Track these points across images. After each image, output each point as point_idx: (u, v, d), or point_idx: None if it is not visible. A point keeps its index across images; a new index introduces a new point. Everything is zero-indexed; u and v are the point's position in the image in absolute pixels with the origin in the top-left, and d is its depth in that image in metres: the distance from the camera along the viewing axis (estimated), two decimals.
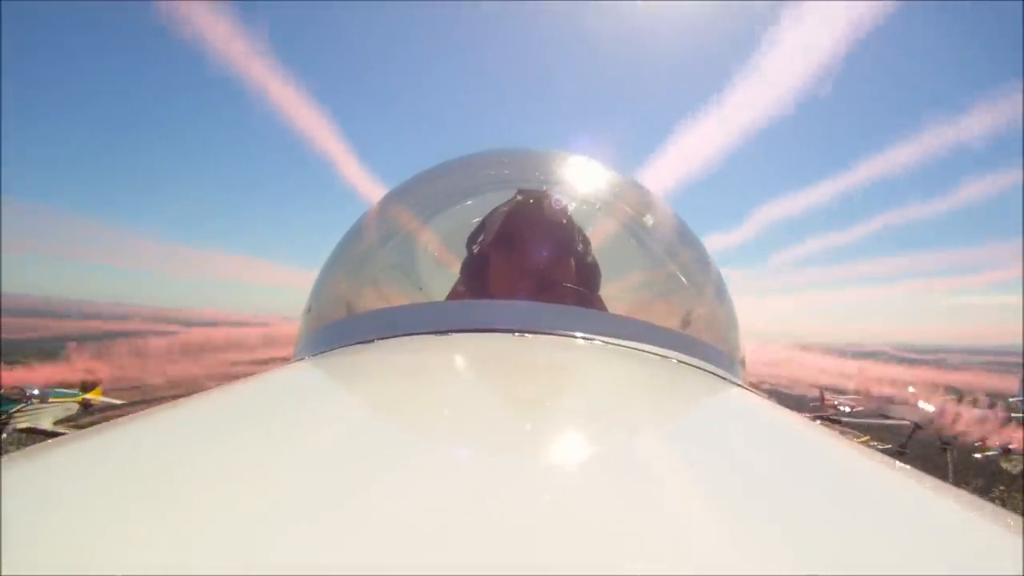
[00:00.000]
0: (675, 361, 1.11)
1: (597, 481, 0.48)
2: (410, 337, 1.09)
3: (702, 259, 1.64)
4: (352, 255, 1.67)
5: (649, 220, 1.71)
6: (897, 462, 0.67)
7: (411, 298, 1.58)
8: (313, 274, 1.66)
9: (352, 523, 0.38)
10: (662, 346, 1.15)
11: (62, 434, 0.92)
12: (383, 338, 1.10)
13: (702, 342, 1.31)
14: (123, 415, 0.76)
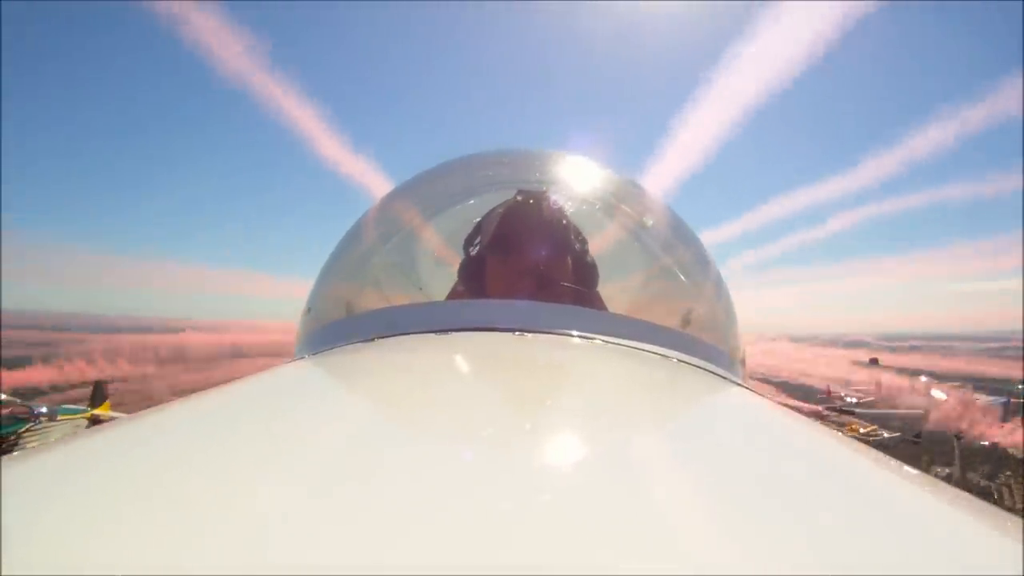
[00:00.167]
0: (675, 360, 1.11)
1: (597, 480, 0.48)
2: (409, 336, 1.09)
3: (701, 258, 1.65)
4: (352, 255, 1.67)
5: (648, 219, 1.71)
6: (897, 462, 0.67)
7: (411, 298, 1.59)
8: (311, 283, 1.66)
9: (352, 522, 0.38)
10: (662, 345, 1.15)
11: None
12: (383, 337, 1.10)
13: (701, 341, 1.31)
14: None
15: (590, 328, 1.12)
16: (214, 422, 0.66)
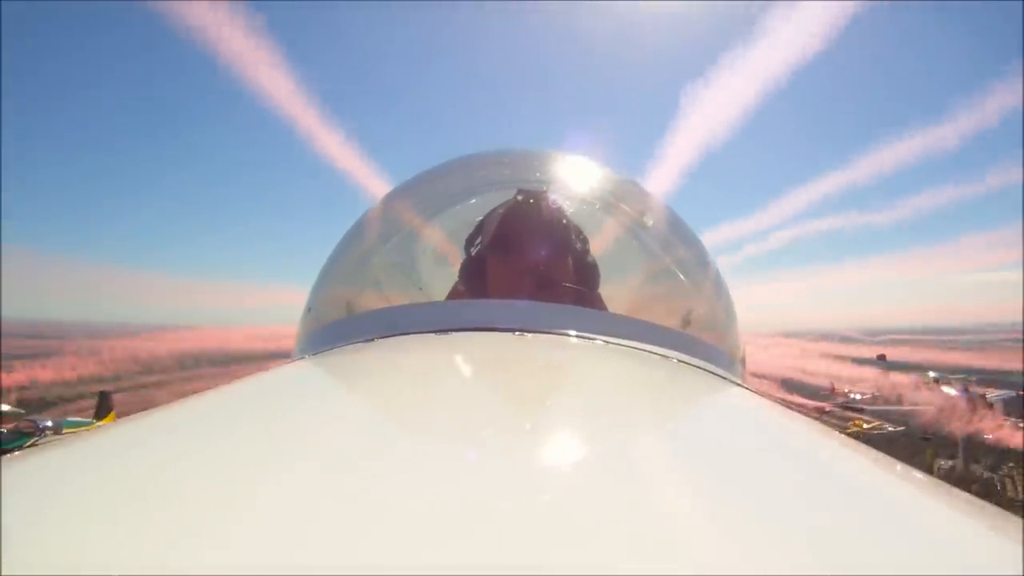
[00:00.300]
0: (675, 360, 1.11)
1: (597, 480, 0.48)
2: (410, 336, 1.09)
3: (701, 258, 1.64)
4: (352, 255, 1.67)
5: (648, 219, 1.71)
6: (897, 462, 0.67)
7: (411, 298, 1.59)
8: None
9: (352, 522, 0.38)
10: (661, 345, 1.15)
11: None
12: (383, 337, 1.10)
13: (701, 341, 1.31)
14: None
15: (590, 328, 1.12)
16: (214, 422, 0.66)
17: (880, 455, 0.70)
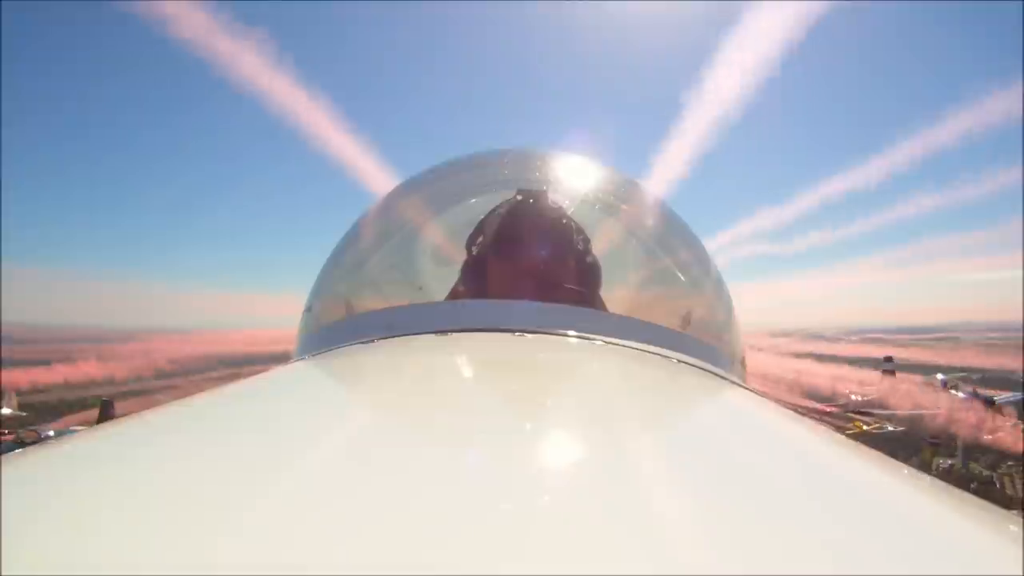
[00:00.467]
0: (675, 360, 1.11)
1: (597, 480, 0.48)
2: (410, 337, 1.09)
3: (701, 259, 1.64)
4: (352, 255, 1.67)
5: (648, 219, 1.71)
6: (897, 462, 0.67)
7: (411, 298, 1.59)
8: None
9: (352, 522, 0.38)
10: (661, 346, 1.15)
11: None
12: (383, 338, 1.10)
13: (701, 341, 1.31)
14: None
15: (590, 329, 1.12)
16: (214, 423, 0.66)
17: (879, 455, 0.69)
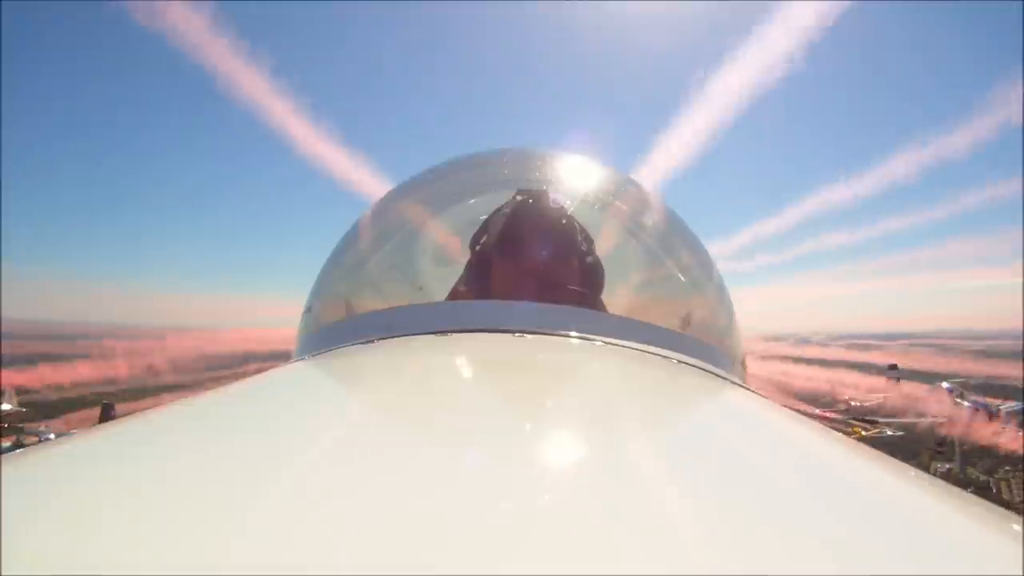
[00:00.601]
0: (675, 361, 1.11)
1: (597, 480, 0.48)
2: (411, 337, 1.09)
3: (702, 259, 1.64)
4: (352, 255, 1.67)
5: (649, 220, 1.71)
6: (897, 461, 0.67)
7: (411, 298, 1.59)
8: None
9: (352, 522, 0.38)
10: (662, 346, 1.15)
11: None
12: (384, 338, 1.10)
13: (701, 342, 1.31)
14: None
15: (591, 330, 1.12)
16: (214, 423, 0.66)
17: (880, 455, 0.70)
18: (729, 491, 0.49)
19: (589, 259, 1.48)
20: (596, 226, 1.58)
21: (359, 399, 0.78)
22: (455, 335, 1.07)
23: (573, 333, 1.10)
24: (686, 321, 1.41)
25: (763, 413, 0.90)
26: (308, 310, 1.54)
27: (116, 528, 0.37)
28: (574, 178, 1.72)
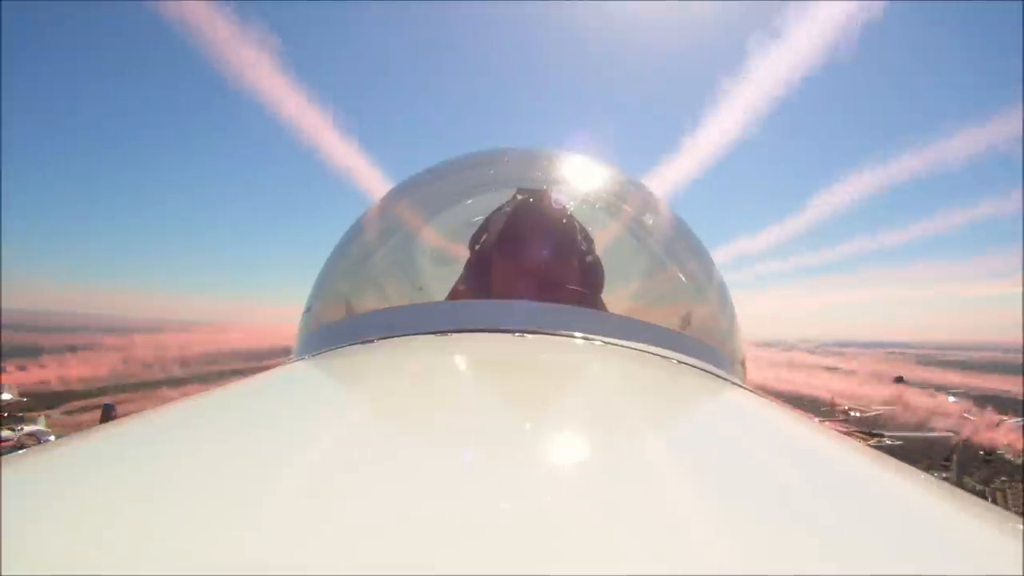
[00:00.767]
0: (675, 361, 1.11)
1: (597, 480, 0.48)
2: (410, 337, 1.09)
3: (703, 260, 1.63)
4: (352, 255, 1.66)
5: (650, 220, 1.70)
6: (897, 462, 0.67)
7: (411, 298, 1.58)
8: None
9: (352, 522, 0.38)
10: (662, 347, 1.14)
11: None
12: (384, 338, 1.10)
13: (702, 342, 1.31)
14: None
15: (591, 329, 1.12)
16: (214, 423, 0.66)
17: (880, 455, 0.70)
18: (730, 491, 0.49)
19: (589, 258, 1.48)
20: (596, 226, 1.58)
21: (359, 399, 0.78)
22: (455, 335, 1.07)
23: (573, 333, 1.10)
24: (686, 321, 1.41)
25: (764, 413, 0.90)
26: (308, 310, 1.54)
27: (117, 528, 0.37)
28: (575, 177, 1.71)
